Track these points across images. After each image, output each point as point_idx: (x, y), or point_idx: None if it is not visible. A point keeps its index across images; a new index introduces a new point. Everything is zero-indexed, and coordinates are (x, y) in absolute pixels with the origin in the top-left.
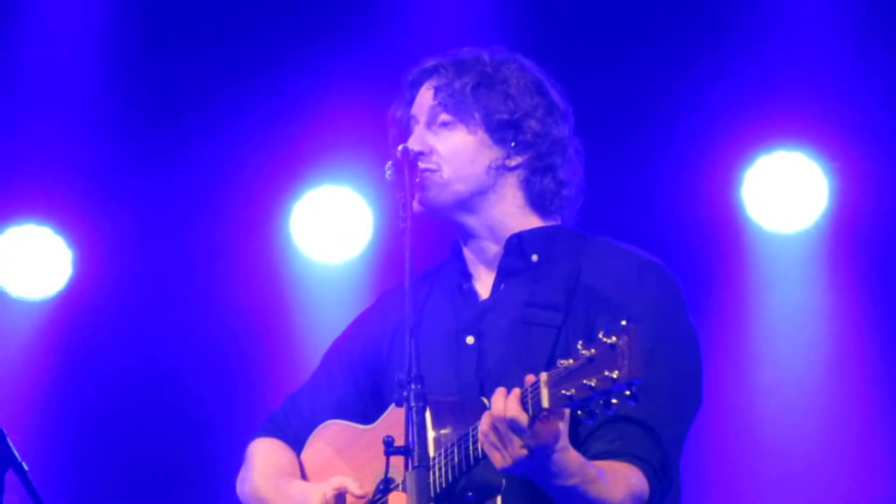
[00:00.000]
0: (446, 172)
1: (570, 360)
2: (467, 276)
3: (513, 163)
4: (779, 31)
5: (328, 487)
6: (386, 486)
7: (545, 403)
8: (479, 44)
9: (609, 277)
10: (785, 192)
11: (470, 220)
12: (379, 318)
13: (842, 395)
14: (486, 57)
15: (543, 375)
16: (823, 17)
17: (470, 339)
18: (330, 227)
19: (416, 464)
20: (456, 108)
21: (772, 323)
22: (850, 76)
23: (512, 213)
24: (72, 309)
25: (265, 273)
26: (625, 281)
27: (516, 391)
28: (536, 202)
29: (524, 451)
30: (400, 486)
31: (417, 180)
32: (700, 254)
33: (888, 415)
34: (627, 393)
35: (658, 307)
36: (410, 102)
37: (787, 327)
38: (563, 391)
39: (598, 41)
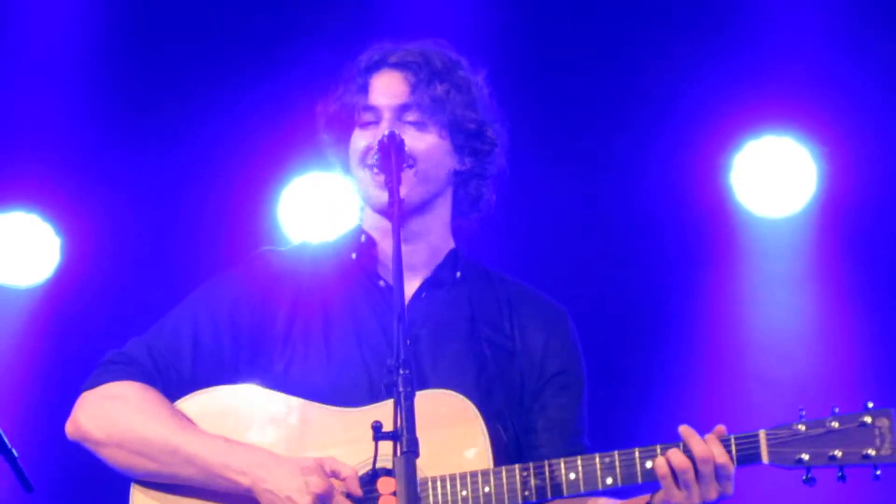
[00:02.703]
0: (419, 173)
1: (801, 426)
2: (380, 273)
3: (462, 168)
4: (768, 16)
5: (325, 467)
6: (374, 472)
7: (764, 459)
8: (463, 35)
9: (545, 329)
10: (774, 177)
11: (415, 223)
12: (269, 281)
13: (832, 377)
14: (453, 58)
15: (762, 432)
16: (813, 1)
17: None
18: (318, 213)
19: (405, 449)
20: (432, 110)
21: (761, 307)
22: (839, 61)
23: (444, 222)
24: (60, 296)
25: None
26: (558, 336)
27: (713, 436)
28: (456, 212)
29: (715, 496)
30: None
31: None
32: (689, 239)
33: (876, 397)
34: (878, 473)
35: (581, 358)
36: (364, 88)
37: (777, 311)
38: (797, 454)
39: (588, 27)
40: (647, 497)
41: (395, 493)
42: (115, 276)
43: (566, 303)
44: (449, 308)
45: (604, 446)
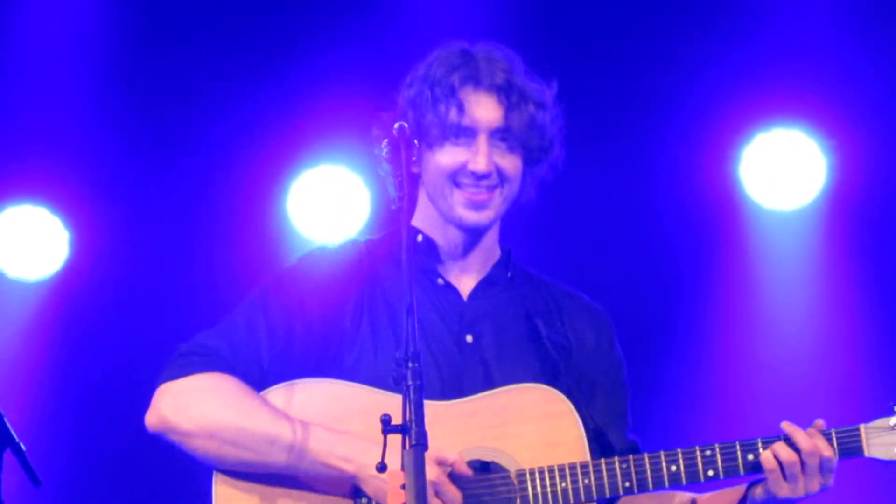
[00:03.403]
0: (505, 192)
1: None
2: (439, 271)
3: (524, 182)
4: (777, 8)
5: (432, 455)
6: (382, 464)
7: (866, 452)
8: (472, 31)
9: (593, 329)
10: (783, 170)
11: (484, 237)
12: (330, 277)
13: (842, 369)
14: (527, 73)
15: (862, 427)
16: None
17: (469, 338)
18: (327, 207)
19: (413, 442)
20: (520, 135)
21: (770, 301)
22: (848, 53)
23: (497, 228)
24: (69, 289)
25: (262, 253)
26: (605, 336)
27: (814, 430)
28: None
29: (818, 488)
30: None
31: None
32: (698, 232)
33: (886, 387)
34: None
35: (623, 357)
36: (461, 107)
37: (786, 305)
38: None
39: (597, 19)
40: (738, 489)
41: (404, 487)
42: (123, 270)
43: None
44: (506, 306)
45: None
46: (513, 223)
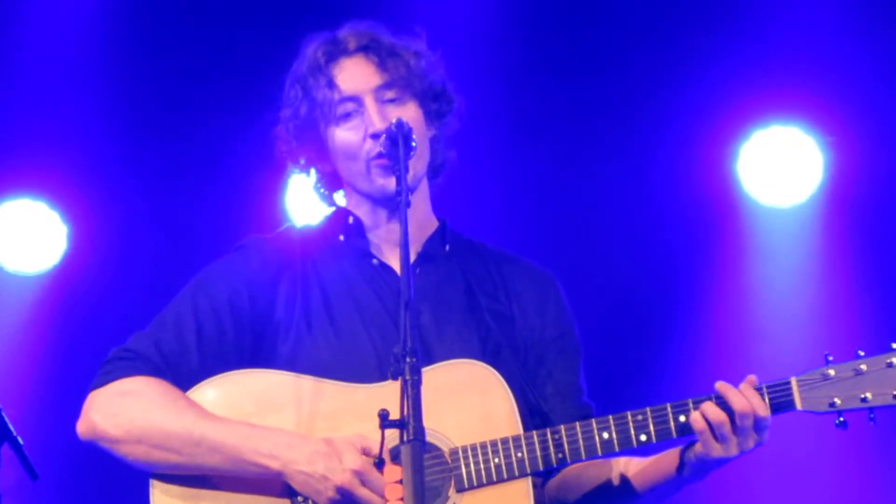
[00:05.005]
0: (414, 150)
1: (830, 370)
2: (372, 252)
3: (430, 133)
4: (775, 5)
5: (356, 444)
6: (381, 460)
7: (798, 406)
8: (472, 28)
9: (538, 296)
10: (780, 167)
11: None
12: (263, 267)
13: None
14: (388, 30)
15: (794, 379)
16: None
17: None
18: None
19: (411, 437)
20: (405, 83)
21: (768, 297)
22: (846, 50)
23: (425, 196)
24: (67, 283)
25: None
26: (551, 301)
27: (749, 387)
28: (430, 177)
29: (752, 445)
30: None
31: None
32: (696, 229)
33: None
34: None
35: (574, 320)
36: (331, 83)
37: (783, 301)
38: (829, 399)
39: (597, 16)
40: (676, 450)
41: (400, 482)
42: (121, 264)
43: (573, 295)
44: (445, 281)
45: None
46: (512, 218)
